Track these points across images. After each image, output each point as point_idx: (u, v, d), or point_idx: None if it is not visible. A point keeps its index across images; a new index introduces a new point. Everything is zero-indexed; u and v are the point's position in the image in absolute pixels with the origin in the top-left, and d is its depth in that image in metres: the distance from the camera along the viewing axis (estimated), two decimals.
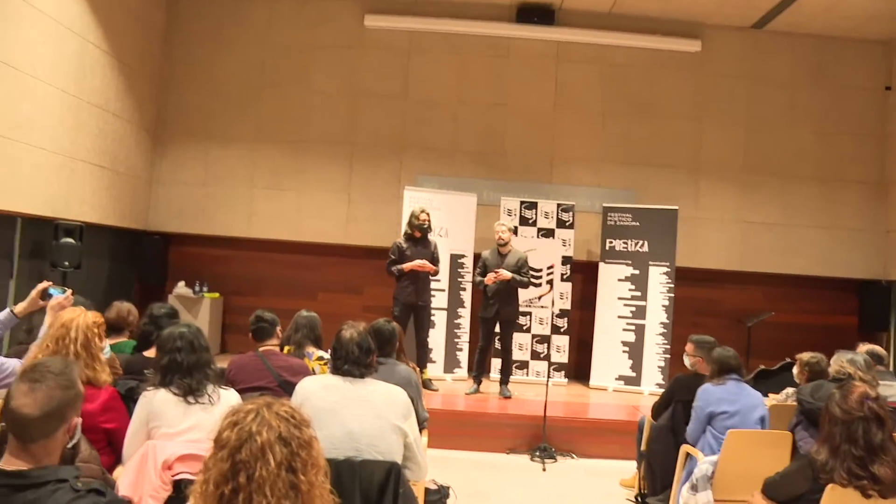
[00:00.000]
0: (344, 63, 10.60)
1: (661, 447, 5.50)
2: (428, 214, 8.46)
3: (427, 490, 5.02)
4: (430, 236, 8.58)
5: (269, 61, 10.61)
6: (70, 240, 7.93)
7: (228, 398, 3.56)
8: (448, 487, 5.66)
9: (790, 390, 5.79)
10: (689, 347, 5.64)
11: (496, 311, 8.40)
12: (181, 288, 10.09)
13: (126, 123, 9.60)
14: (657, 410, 5.68)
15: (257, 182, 10.52)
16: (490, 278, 8.27)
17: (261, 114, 10.56)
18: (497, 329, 8.59)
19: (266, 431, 2.00)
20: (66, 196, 8.27)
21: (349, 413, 3.45)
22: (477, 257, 8.91)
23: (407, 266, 8.25)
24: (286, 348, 5.13)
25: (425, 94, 10.61)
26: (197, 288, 10.10)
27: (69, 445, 2.29)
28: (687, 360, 5.64)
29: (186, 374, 3.56)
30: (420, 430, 4.07)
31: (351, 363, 3.63)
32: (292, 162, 10.53)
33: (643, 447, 5.87)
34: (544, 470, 6.95)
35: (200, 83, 10.58)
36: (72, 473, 2.18)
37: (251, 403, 2.10)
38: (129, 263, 10.15)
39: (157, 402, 3.49)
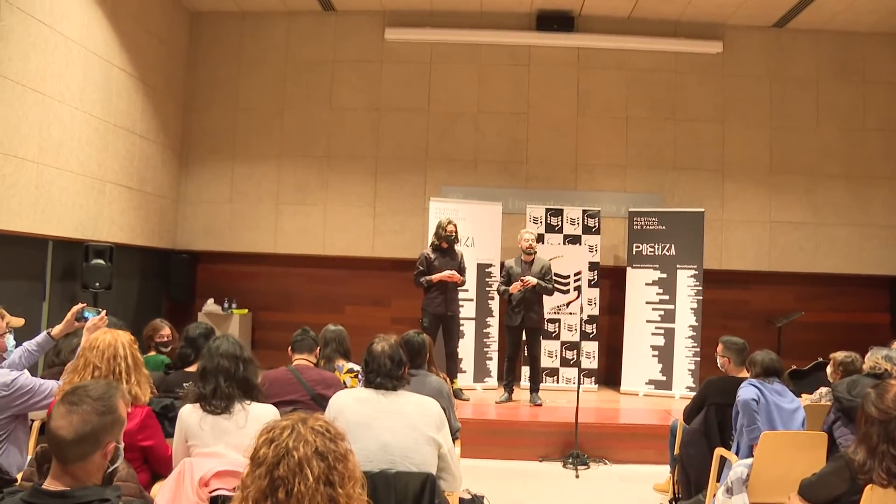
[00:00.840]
0: (366, 77, 10.66)
1: (694, 451, 5.46)
2: (455, 226, 8.50)
3: (461, 500, 5.02)
4: (457, 246, 8.61)
5: (291, 78, 10.69)
6: (100, 261, 8.03)
7: (261, 415, 3.54)
8: (482, 496, 5.66)
9: (824, 390, 5.74)
10: (719, 348, 5.62)
11: (521, 319, 8.39)
12: (210, 305, 10.18)
13: (152, 144, 9.72)
14: (689, 414, 5.64)
15: (283, 198, 10.59)
16: (516, 287, 8.27)
17: (284, 130, 10.65)
18: (524, 337, 8.59)
19: (303, 446, 2.01)
20: (95, 218, 8.38)
21: (382, 425, 3.46)
22: (503, 266, 8.90)
23: (435, 277, 8.28)
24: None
25: (447, 105, 10.64)
26: (226, 304, 10.19)
27: (108, 470, 2.30)
28: (719, 361, 5.62)
29: (213, 378, 3.57)
30: (453, 441, 4.08)
31: (383, 376, 3.64)
32: (317, 177, 10.60)
33: (676, 451, 5.84)
34: (577, 477, 6.91)
35: (224, 102, 10.69)
36: (114, 493, 2.21)
37: (286, 419, 2.12)
38: (159, 282, 10.26)
39: (191, 420, 3.52)
